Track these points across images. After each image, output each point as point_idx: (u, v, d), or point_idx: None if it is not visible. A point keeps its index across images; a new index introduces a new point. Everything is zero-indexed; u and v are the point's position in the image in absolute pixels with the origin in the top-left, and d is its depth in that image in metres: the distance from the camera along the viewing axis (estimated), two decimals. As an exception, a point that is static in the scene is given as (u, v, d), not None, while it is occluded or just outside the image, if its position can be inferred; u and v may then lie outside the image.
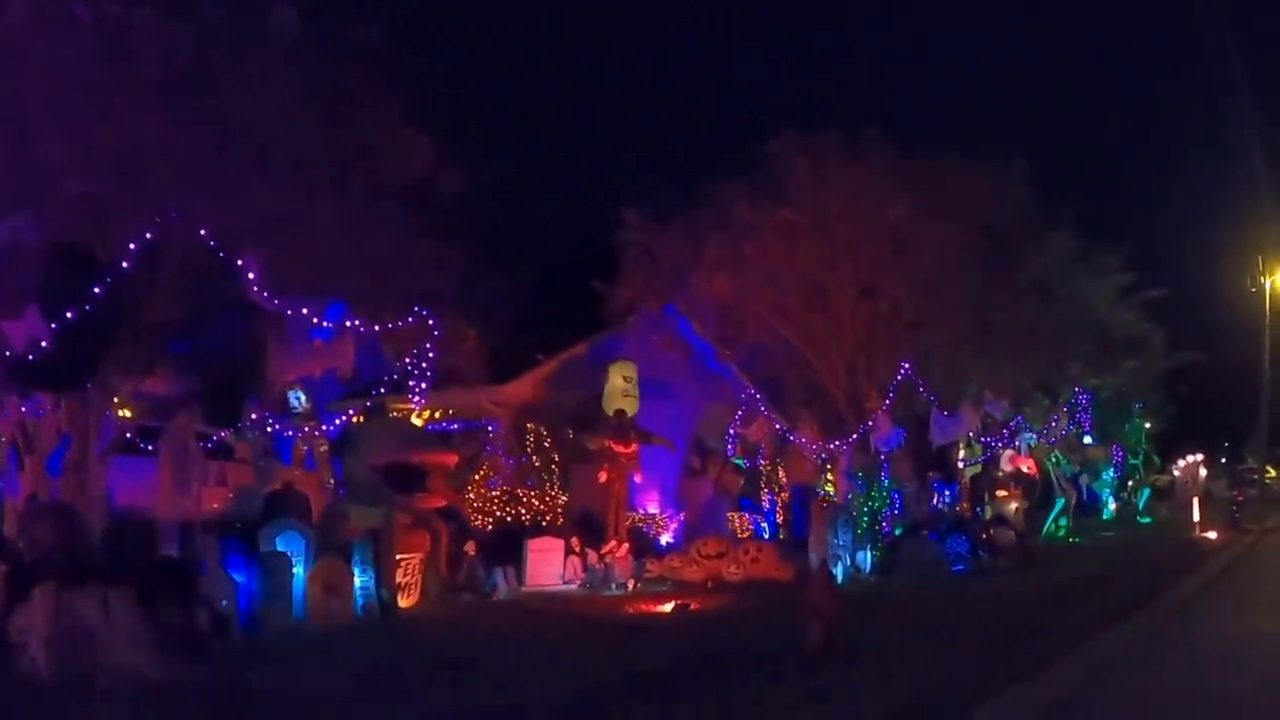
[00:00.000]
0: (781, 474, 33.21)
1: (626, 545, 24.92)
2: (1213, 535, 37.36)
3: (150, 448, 16.63)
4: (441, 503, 22.51)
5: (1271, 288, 61.44)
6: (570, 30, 78.36)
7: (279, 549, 18.25)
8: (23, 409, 14.44)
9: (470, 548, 22.74)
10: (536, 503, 27.94)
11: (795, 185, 30.80)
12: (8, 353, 13.39)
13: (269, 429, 21.05)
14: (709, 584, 23.66)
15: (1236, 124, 59.25)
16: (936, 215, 30.87)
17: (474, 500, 26.80)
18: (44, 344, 13.55)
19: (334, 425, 22.35)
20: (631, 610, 20.62)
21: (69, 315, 13.82)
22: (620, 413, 25.99)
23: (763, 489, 33.16)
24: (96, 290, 14.13)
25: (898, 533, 27.64)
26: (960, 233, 31.28)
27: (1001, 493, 34.67)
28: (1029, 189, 34.40)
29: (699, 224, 31.25)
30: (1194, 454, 66.86)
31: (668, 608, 20.50)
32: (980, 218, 32.15)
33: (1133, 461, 51.17)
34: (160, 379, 15.70)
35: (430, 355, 21.53)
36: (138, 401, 15.98)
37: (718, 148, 57.42)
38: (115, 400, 15.41)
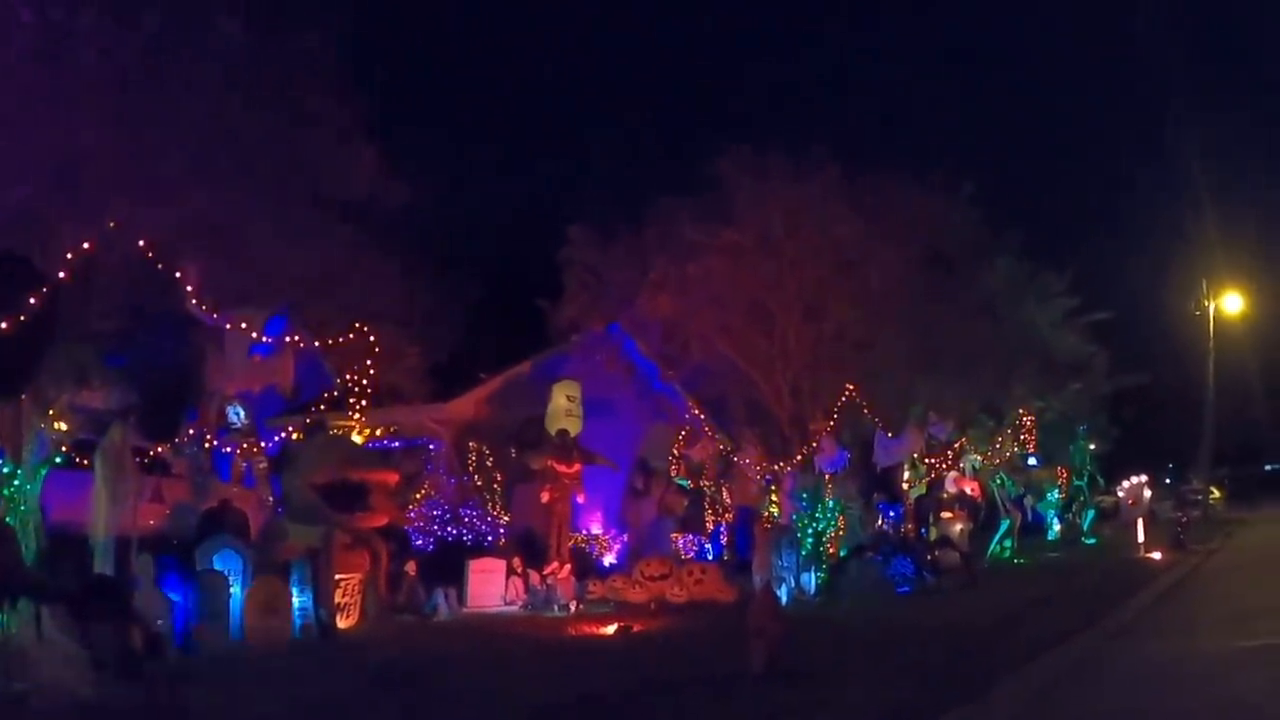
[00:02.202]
0: (725, 495, 33.11)
1: (569, 566, 24.73)
2: (1157, 556, 37.47)
3: (85, 462, 16.32)
4: (382, 522, 22.25)
5: (1215, 311, 62.10)
6: (517, 47, 78.24)
7: (216, 568, 17.99)
8: (-46, 420, 14.13)
9: (411, 568, 22.52)
10: (478, 523, 27.72)
11: (742, 205, 30.85)
12: (-61, 362, 13.11)
13: (207, 444, 20.76)
14: (652, 605, 23.49)
15: (1182, 148, 59.96)
16: (882, 236, 31.01)
17: (415, 520, 26.55)
18: (-24, 354, 13.28)
19: (273, 442, 22.10)
20: (574, 632, 20.43)
21: (3, 325, 13.55)
22: (563, 432, 25.80)
23: (706, 510, 33.06)
24: (32, 299, 13.85)
25: (842, 554, 27.55)
26: (906, 254, 31.44)
27: (946, 514, 34.72)
28: (975, 211, 34.61)
29: (645, 243, 31.22)
30: (1138, 475, 67.17)
31: (611, 629, 20.32)
32: (927, 240, 32.33)
33: (1077, 483, 51.37)
34: (96, 391, 15.39)
35: (371, 372, 21.32)
36: (73, 414, 15.65)
37: (665, 166, 57.49)
38: (50, 412, 15.08)
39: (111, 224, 15.12)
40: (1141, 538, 40.47)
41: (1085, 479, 52.43)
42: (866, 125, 75.31)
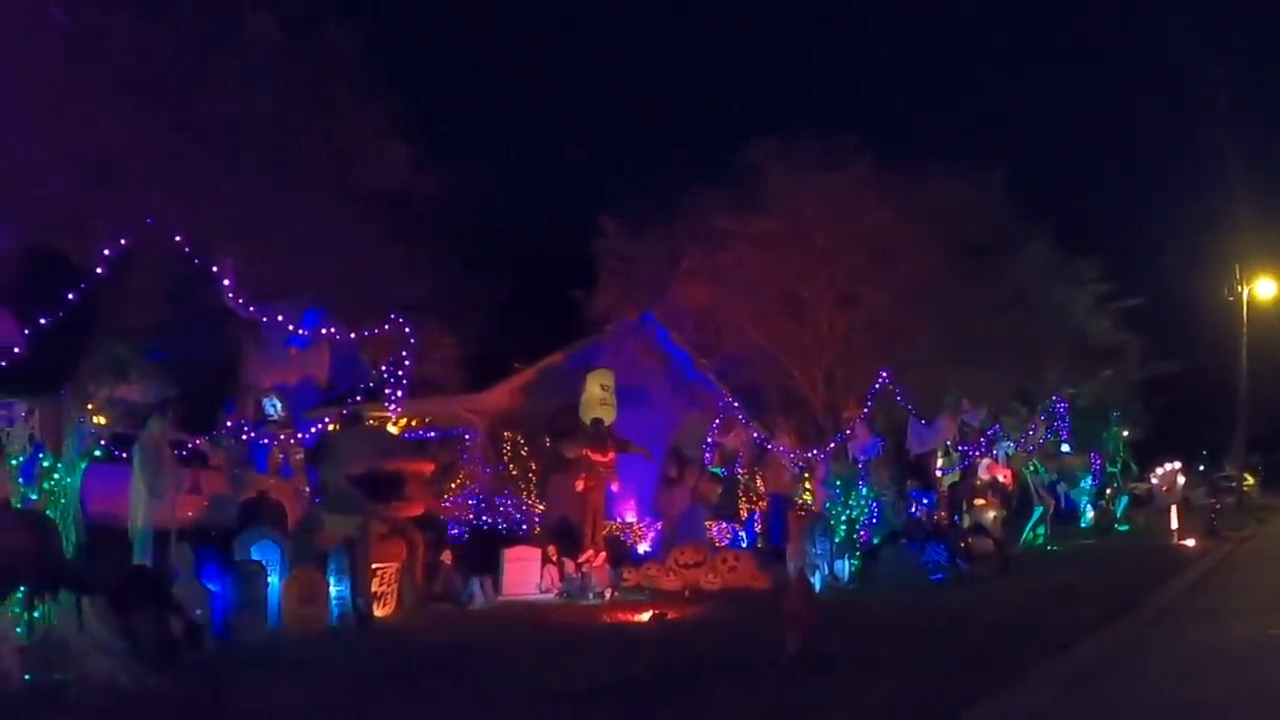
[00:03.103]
0: (759, 483, 33.16)
1: (604, 554, 24.85)
2: (1191, 543, 37.36)
3: (124, 455, 16.50)
4: (418, 511, 22.39)
5: (1249, 296, 61.74)
6: (549, 38, 78.39)
7: (254, 558, 18.16)
8: (-5, 414, 14.34)
9: (447, 557, 22.64)
10: (513, 511, 27.84)
11: (773, 194, 30.83)
12: (-20, 358, 13.29)
13: (244, 436, 20.94)
14: (686, 593, 23.60)
15: (1215, 133, 59.58)
16: (914, 224, 30.94)
17: (451, 509, 26.69)
18: (17, 350, 13.44)
19: (310, 433, 22.26)
20: (609, 619, 20.55)
21: (43, 321, 13.72)
22: (597, 421, 25.90)
23: (740, 498, 33.11)
24: (71, 295, 14.02)
25: (875, 542, 27.57)
26: (938, 242, 31.37)
27: (979, 501, 34.63)
28: (1007, 198, 34.52)
29: (677, 233, 31.26)
30: (1172, 462, 66.83)
31: (645, 617, 20.43)
32: (958, 227, 32.23)
33: (1110, 469, 51.13)
34: (135, 385, 15.57)
35: (407, 363, 21.45)
36: (112, 408, 15.84)
37: (696, 156, 57.47)
38: (89, 407, 15.26)
39: (148, 220, 15.27)
40: (1175, 524, 40.36)
41: (1118, 466, 52.17)
42: (897, 113, 75.32)
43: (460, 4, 63.55)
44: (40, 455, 14.62)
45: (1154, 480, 61.63)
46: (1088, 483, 48.23)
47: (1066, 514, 45.87)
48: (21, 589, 13.64)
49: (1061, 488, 45.50)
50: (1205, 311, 62.50)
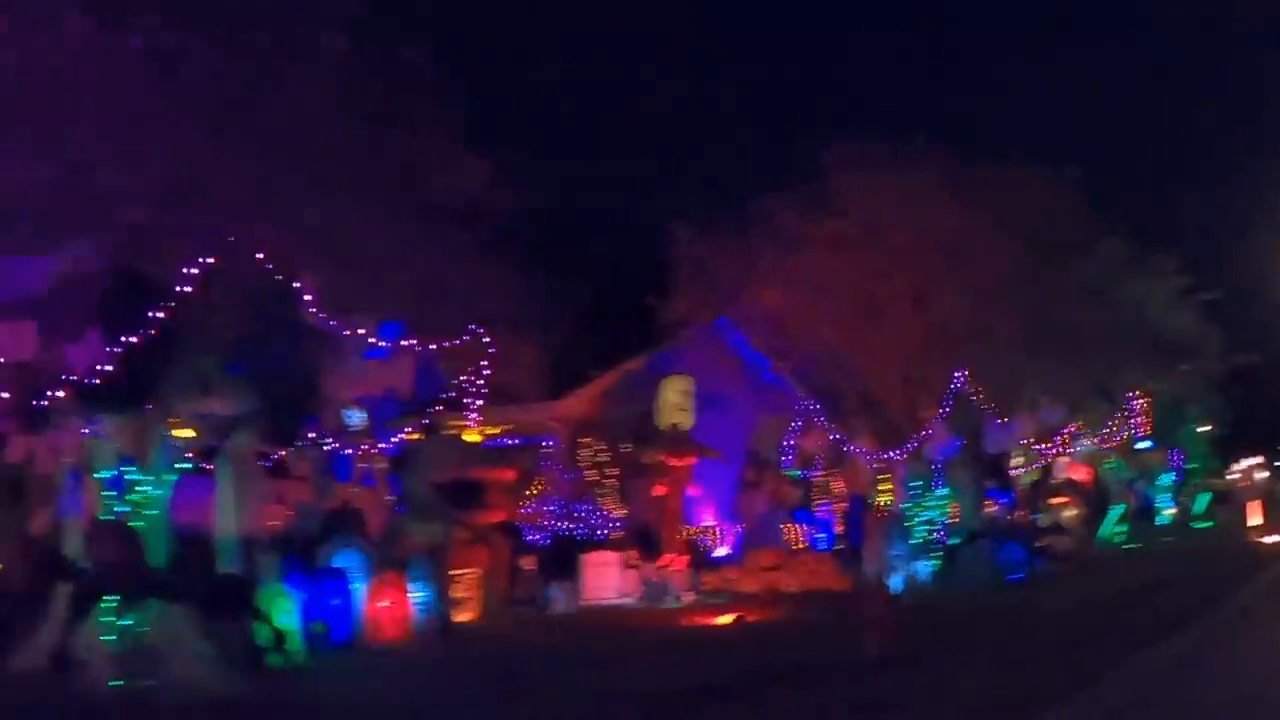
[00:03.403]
0: (837, 484, 33.15)
1: (683, 558, 24.99)
2: (1272, 539, 36.97)
3: (210, 467, 16.84)
4: (499, 518, 22.65)
5: (1330, 286, 60.71)
6: (620, 46, 78.56)
7: (338, 565, 18.49)
8: (84, 430, 14.66)
9: (527, 562, 22.88)
10: (593, 517, 28.01)
11: (846, 196, 30.77)
12: (70, 376, 13.63)
13: (327, 447, 21.25)
14: (766, 596, 23.72)
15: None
16: (989, 223, 30.78)
17: (531, 515, 26.90)
18: (105, 367, 13.79)
19: (391, 443, 22.51)
20: (689, 623, 20.72)
21: (130, 338, 14.05)
22: (675, 426, 26.07)
23: (818, 500, 33.10)
24: (155, 314, 14.35)
25: (954, 542, 27.55)
26: (1013, 239, 31.18)
27: (1057, 500, 34.46)
28: (1082, 193, 34.19)
29: (751, 237, 31.26)
30: (1252, 457, 65.96)
31: (725, 620, 20.59)
32: (1034, 224, 32.00)
33: (1190, 465, 50.57)
34: (219, 399, 15.89)
35: (486, 372, 21.67)
36: (198, 421, 16.17)
37: (769, 160, 57.11)
38: (175, 421, 15.61)
39: (229, 239, 15.57)
40: (1255, 521, 39.89)
41: (1198, 462, 51.58)
42: (968, 111, 74.41)
43: (531, 16, 63.72)
44: (128, 468, 14.98)
45: (1234, 476, 60.89)
46: (1167, 479, 47.74)
47: (1145, 511, 45.45)
48: (112, 598, 13.99)
49: (1140, 485, 45.09)
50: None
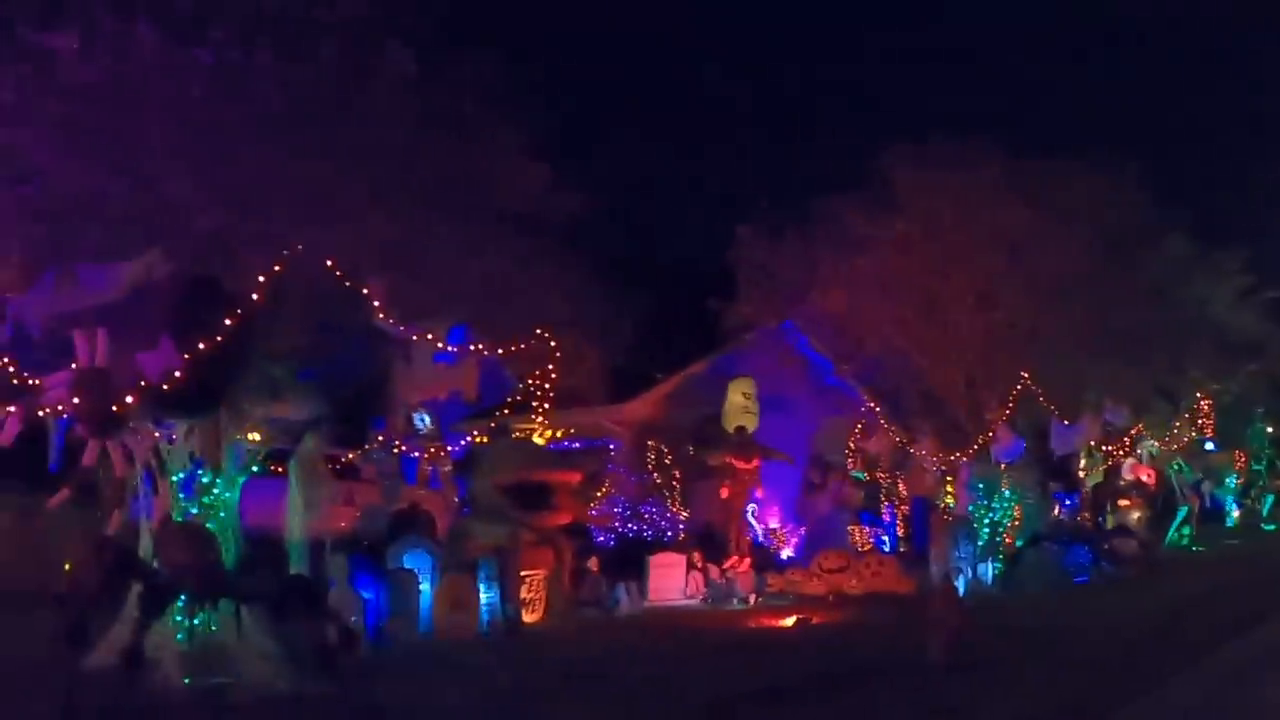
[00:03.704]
0: (901, 486, 33.07)
1: (748, 560, 25.06)
2: (1339, 542, 36.58)
3: (280, 470, 17.05)
4: (565, 520, 22.75)
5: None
6: (680, 51, 78.58)
7: (406, 566, 18.70)
8: (157, 435, 14.90)
9: (593, 564, 23.00)
10: (658, 519, 28.10)
11: (907, 196, 30.71)
12: (143, 382, 13.85)
13: (395, 450, 21.48)
14: (830, 598, 23.75)
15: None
16: (1051, 222, 30.64)
17: (597, 517, 27.01)
18: (177, 373, 13.99)
19: (458, 446, 22.69)
20: (754, 624, 20.79)
21: (200, 345, 14.25)
22: (740, 429, 26.11)
23: (883, 502, 33.05)
24: (226, 321, 14.55)
25: (1019, 544, 27.44)
26: (1076, 238, 31.02)
27: (1123, 502, 34.17)
28: (1144, 191, 33.94)
29: (813, 240, 31.28)
30: (1320, 458, 65.03)
31: (790, 622, 20.63)
32: (1095, 223, 31.81)
33: (1256, 467, 49.91)
34: (289, 404, 16.08)
35: (552, 375, 21.81)
36: (268, 426, 16.39)
37: (830, 162, 57.06)
38: (246, 425, 15.84)
39: (299, 246, 15.76)
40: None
41: (1264, 463, 50.94)
42: (1030, 108, 73.95)
43: (590, 22, 63.93)
44: (200, 472, 15.22)
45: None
46: (1233, 481, 47.23)
47: (1212, 513, 44.95)
48: (183, 598, 14.23)
49: (1206, 487, 44.59)
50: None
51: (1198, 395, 39.49)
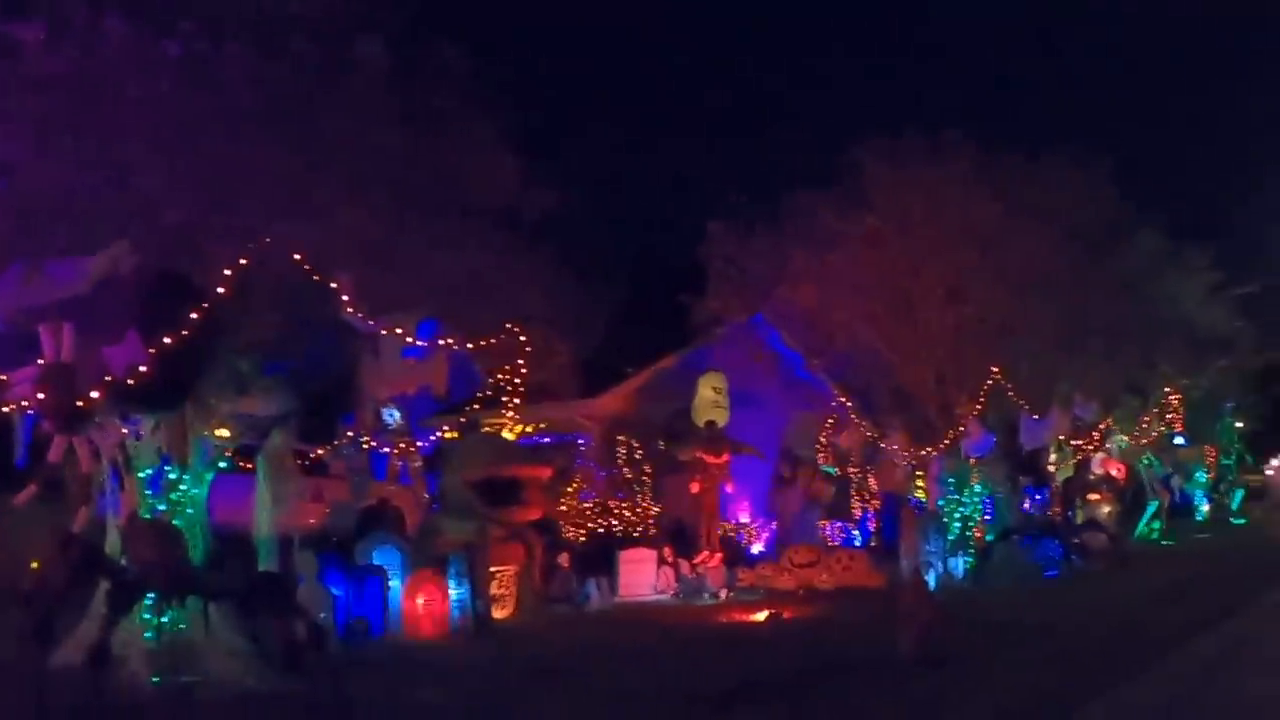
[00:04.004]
0: (872, 482, 33.14)
1: (718, 555, 25.04)
2: (1308, 535, 36.82)
3: (248, 465, 16.94)
4: (535, 515, 22.69)
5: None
6: (654, 46, 78.62)
7: (375, 563, 18.62)
8: (124, 430, 14.77)
9: (564, 559, 22.95)
10: (628, 514, 28.06)
11: (878, 192, 30.74)
12: (108, 377, 13.73)
13: (364, 446, 21.37)
14: (801, 593, 23.76)
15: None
16: (1023, 217, 30.70)
17: (567, 512, 26.97)
18: (143, 368, 13.87)
19: (428, 441, 22.62)
20: (725, 620, 20.77)
21: (167, 339, 14.13)
22: (710, 423, 26.08)
23: (853, 497, 33.10)
24: (193, 315, 14.43)
25: (989, 539, 27.52)
26: (1047, 234, 31.09)
27: (1093, 496, 34.36)
28: (1116, 187, 34.07)
29: (784, 234, 31.27)
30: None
31: (761, 617, 20.63)
32: (1067, 218, 31.90)
33: (1225, 462, 50.29)
34: (257, 399, 15.97)
35: (521, 370, 21.76)
36: (235, 421, 16.27)
37: (802, 157, 57.17)
38: (213, 420, 15.72)
39: (266, 240, 15.65)
40: (1292, 516, 39.65)
41: (1233, 458, 51.30)
42: (1002, 105, 74.33)
43: (563, 17, 63.87)
44: (167, 468, 15.09)
45: (1270, 472, 60.49)
46: (1202, 476, 47.54)
47: (1181, 508, 45.28)
48: (150, 595, 14.12)
49: (1175, 481, 44.92)
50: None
51: (1167, 390, 39.70)
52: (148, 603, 14.19)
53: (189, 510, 15.20)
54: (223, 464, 16.24)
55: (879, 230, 30.66)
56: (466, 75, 20.79)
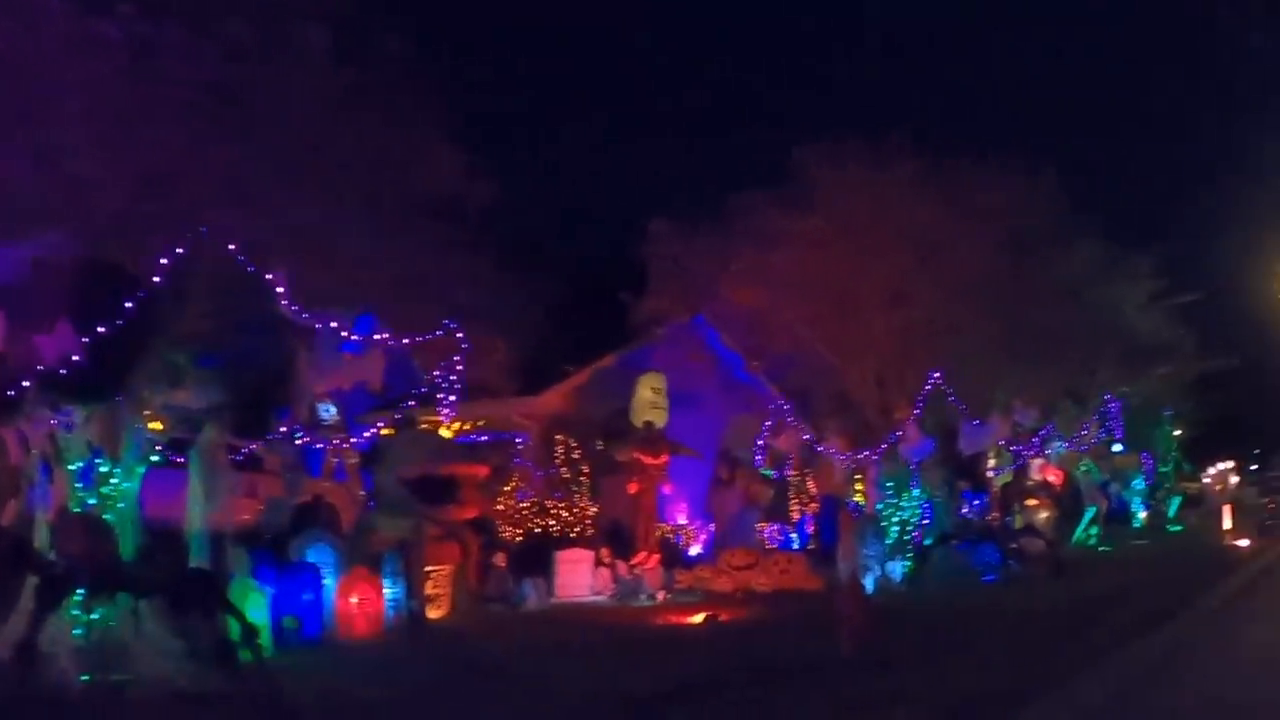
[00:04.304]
0: (810, 484, 33.15)
1: (656, 556, 24.93)
2: (1244, 543, 37.11)
3: (180, 460, 16.69)
4: (471, 514, 22.54)
5: (1305, 293, 61.15)
6: (598, 43, 78.52)
7: (309, 560, 18.34)
8: (54, 422, 14.49)
9: (500, 559, 22.80)
10: (566, 514, 27.92)
11: (822, 194, 30.74)
12: (40, 366, 13.47)
13: (298, 441, 21.11)
14: (738, 595, 23.68)
15: (1272, 126, 58.91)
16: (966, 221, 30.80)
17: (504, 512, 26.81)
18: (75, 358, 13.63)
19: (364, 437, 22.41)
20: (662, 621, 20.65)
21: (100, 329, 13.89)
22: (649, 424, 26.00)
23: (791, 499, 33.09)
24: (127, 304, 14.19)
25: (928, 543, 27.53)
26: (990, 239, 31.21)
27: (1031, 502, 34.55)
28: (1059, 194, 34.28)
29: (727, 235, 31.22)
30: (1224, 461, 66.29)
31: (698, 619, 20.52)
32: (1010, 223, 32.04)
33: (1163, 469, 50.84)
34: (191, 392, 15.75)
35: (459, 367, 21.58)
36: (168, 414, 16.02)
37: (747, 158, 57.38)
38: (146, 413, 15.45)
39: (202, 230, 15.42)
40: (1228, 525, 40.06)
41: (1171, 465, 51.86)
42: (947, 110, 74.78)
43: (509, 11, 63.65)
44: (98, 461, 14.81)
45: (1206, 480, 61.22)
46: (1140, 483, 47.97)
47: (1119, 514, 45.63)
48: (80, 591, 13.83)
49: (1113, 488, 45.28)
50: (1260, 308, 61.81)
51: (1106, 397, 39.99)
52: (77, 599, 13.90)
53: (120, 504, 14.91)
54: (155, 457, 15.96)
55: (822, 232, 30.64)
56: (410, 65, 20.56)
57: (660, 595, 23.73)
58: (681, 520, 30.09)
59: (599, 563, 24.28)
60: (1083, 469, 39.88)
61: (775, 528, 30.82)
